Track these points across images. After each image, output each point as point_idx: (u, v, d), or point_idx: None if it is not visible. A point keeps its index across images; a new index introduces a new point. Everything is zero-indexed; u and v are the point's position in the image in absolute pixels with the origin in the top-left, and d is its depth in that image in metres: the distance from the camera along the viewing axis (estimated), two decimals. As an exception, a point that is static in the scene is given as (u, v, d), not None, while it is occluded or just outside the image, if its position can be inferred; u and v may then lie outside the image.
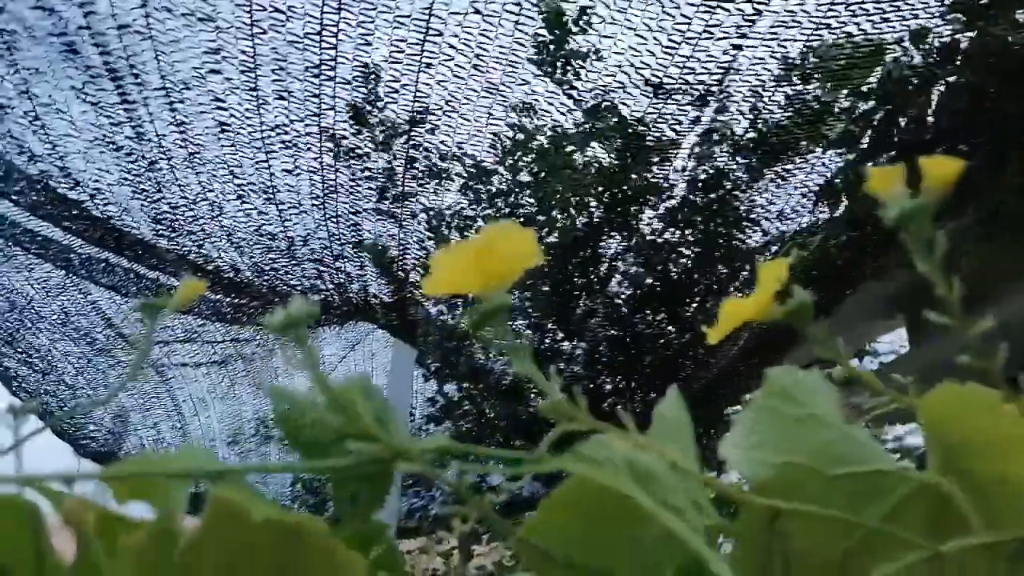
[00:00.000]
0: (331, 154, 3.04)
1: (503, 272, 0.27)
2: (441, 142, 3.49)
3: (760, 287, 0.30)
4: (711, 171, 3.59)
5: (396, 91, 3.20)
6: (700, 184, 3.68)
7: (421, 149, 3.51)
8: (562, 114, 3.48)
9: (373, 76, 3.13)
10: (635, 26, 2.91)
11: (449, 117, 3.39)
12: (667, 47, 2.91)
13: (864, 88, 2.28)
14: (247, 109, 2.44)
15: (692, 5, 2.62)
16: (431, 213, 3.84)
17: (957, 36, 1.95)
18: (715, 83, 3.09)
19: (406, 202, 3.90)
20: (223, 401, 5.02)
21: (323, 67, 2.39)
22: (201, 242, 3.08)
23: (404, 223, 3.84)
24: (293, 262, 3.46)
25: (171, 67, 2.20)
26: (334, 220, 3.35)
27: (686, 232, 3.90)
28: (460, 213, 3.93)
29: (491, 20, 2.85)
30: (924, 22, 1.98)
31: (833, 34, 2.25)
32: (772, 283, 0.30)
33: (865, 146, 2.22)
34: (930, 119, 2.12)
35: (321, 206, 3.22)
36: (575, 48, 3.26)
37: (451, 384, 4.60)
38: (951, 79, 2.01)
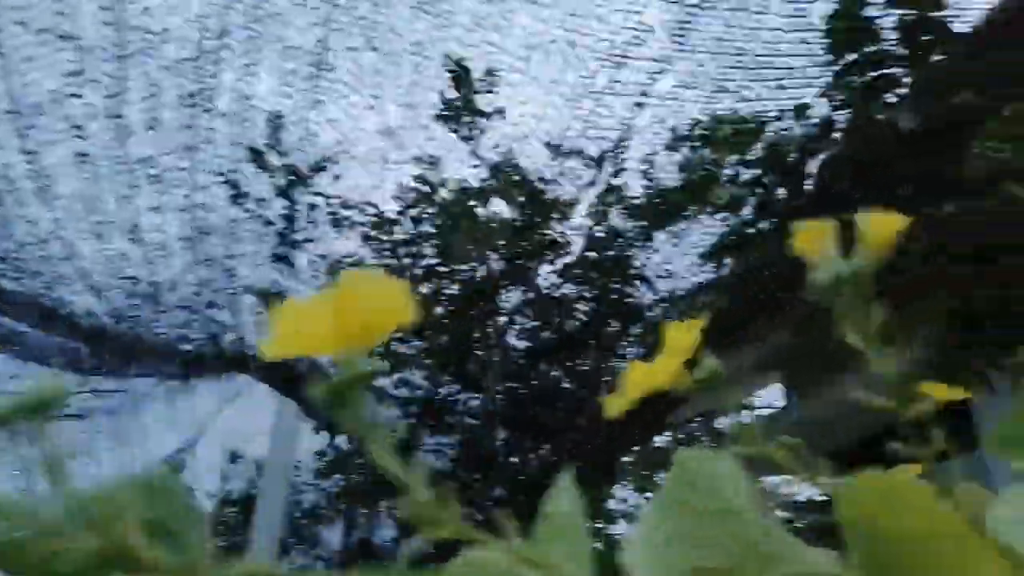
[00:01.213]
0: (205, 192, 2.87)
1: (367, 330, 0.23)
2: (343, 190, 3.43)
3: (668, 351, 0.28)
4: (606, 230, 3.68)
5: (297, 135, 3.12)
6: (596, 242, 3.77)
7: (322, 196, 3.44)
8: (466, 168, 3.50)
9: (273, 119, 3.04)
10: (540, 86, 2.96)
11: (351, 165, 3.33)
12: (568, 108, 2.98)
13: (749, 156, 2.35)
14: (110, 138, 2.24)
15: (594, 69, 2.68)
16: (329, 262, 3.76)
17: (834, 114, 2.04)
18: (613, 145, 3.17)
19: (302, 249, 3.78)
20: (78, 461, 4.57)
21: (199, 97, 2.25)
22: (51, 284, 2.80)
23: (299, 271, 3.74)
24: (159, 308, 3.22)
25: (23, 88, 1.99)
26: (207, 264, 3.15)
27: (582, 288, 3.97)
28: (361, 263, 3.86)
29: (400, 81, 2.83)
30: (806, 99, 2.06)
31: (726, 101, 2.32)
32: (681, 348, 0.28)
33: (750, 212, 2.28)
34: (809, 188, 2.20)
35: (191, 248, 3.02)
36: (480, 106, 3.30)
37: (342, 436, 4.41)
38: (829, 152, 2.09)
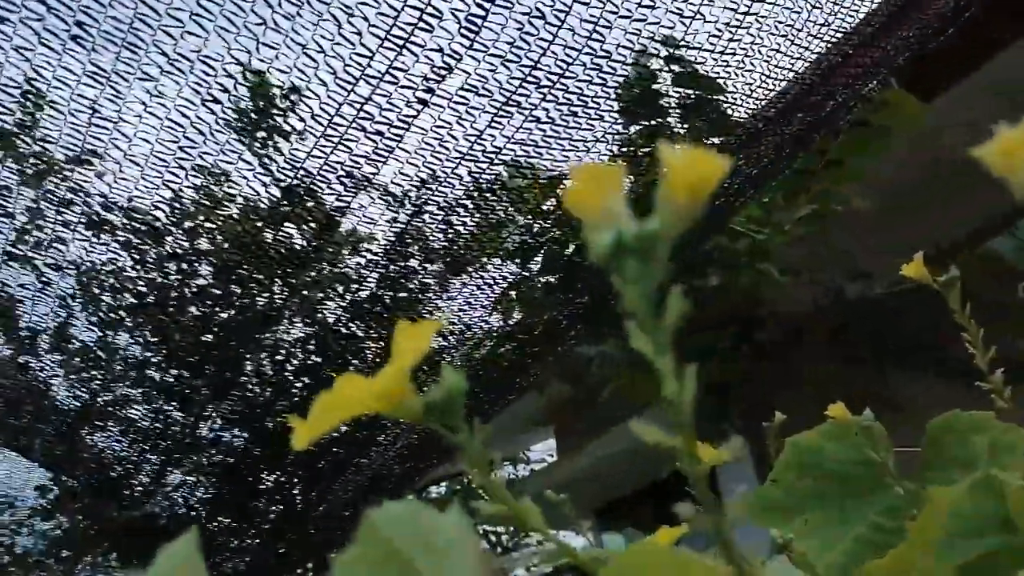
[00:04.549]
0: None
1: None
2: (107, 189, 3.03)
3: (394, 360, 0.23)
4: (400, 270, 3.62)
5: (57, 118, 2.72)
6: (388, 281, 3.69)
7: (80, 193, 3.02)
8: (257, 187, 3.26)
9: (30, 95, 2.64)
10: (343, 114, 2.84)
11: (120, 163, 2.96)
12: (371, 141, 2.89)
13: (540, 210, 2.40)
14: None
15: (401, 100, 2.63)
16: (81, 268, 3.32)
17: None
18: (413, 186, 3.13)
19: (46, 249, 3.31)
20: None
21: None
22: None
23: (44, 275, 3.26)
24: None
25: None
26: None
27: (370, 326, 3.87)
28: (119, 273, 3.46)
29: (193, 85, 2.57)
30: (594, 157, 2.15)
31: (521, 156, 2.36)
32: (409, 352, 0.23)
33: (538, 263, 2.33)
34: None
35: None
36: (279, 124, 3.12)
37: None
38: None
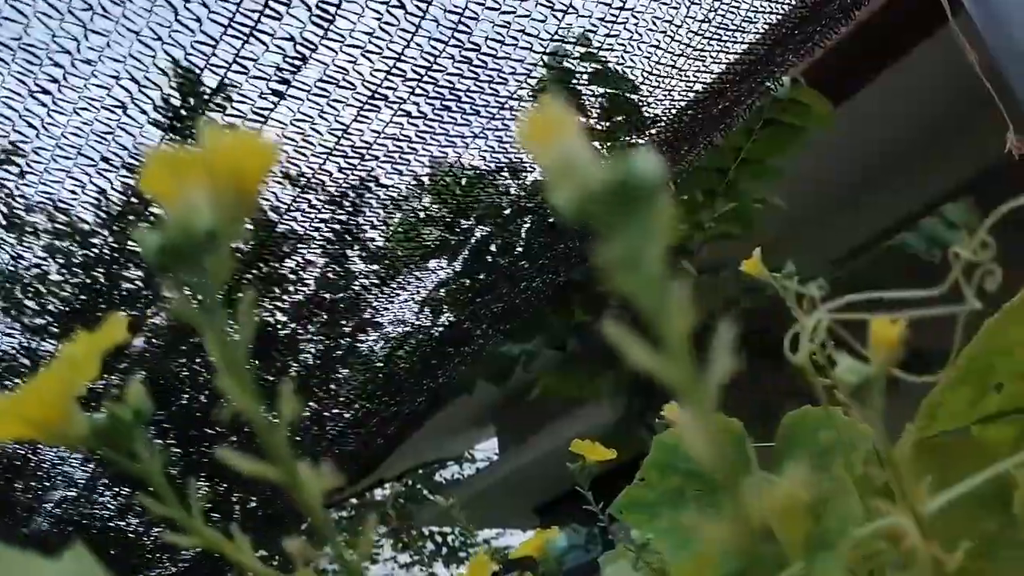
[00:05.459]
0: None
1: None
2: (28, 189, 2.93)
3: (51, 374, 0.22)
4: (339, 271, 3.59)
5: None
6: (327, 282, 3.66)
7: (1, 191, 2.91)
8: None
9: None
10: (279, 111, 2.80)
11: (44, 161, 2.87)
12: (308, 139, 2.86)
13: (470, 209, 2.41)
14: None
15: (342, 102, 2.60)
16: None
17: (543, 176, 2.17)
18: (352, 186, 3.11)
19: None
20: None
21: None
22: None
23: None
24: None
25: None
26: None
27: (309, 327, 3.82)
28: (43, 277, 3.35)
29: (119, 80, 2.50)
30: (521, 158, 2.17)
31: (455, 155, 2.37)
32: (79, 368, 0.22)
33: (465, 261, 2.34)
34: (519, 248, 2.32)
35: None
36: (209, 120, 3.06)
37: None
38: (539, 212, 2.21)
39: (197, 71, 2.16)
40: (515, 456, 4.82)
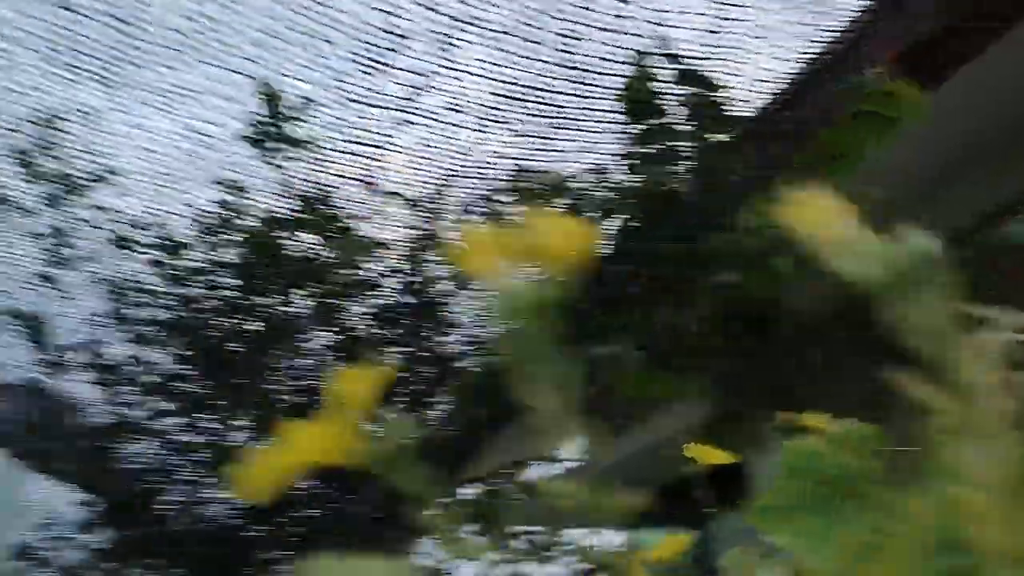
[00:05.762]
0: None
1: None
2: (127, 208, 3.12)
3: (336, 406, 0.22)
4: (420, 275, 3.67)
5: (74, 139, 2.80)
6: (409, 286, 3.74)
7: (103, 211, 3.11)
8: (273, 198, 3.33)
9: (45, 121, 2.73)
10: (354, 121, 2.88)
11: (140, 180, 3.05)
12: (383, 143, 2.92)
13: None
14: None
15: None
16: (112, 285, 3.41)
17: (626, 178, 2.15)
18: (431, 191, 3.17)
19: (72, 268, 3.41)
20: None
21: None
22: None
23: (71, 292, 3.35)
24: None
25: None
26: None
27: (391, 331, 3.91)
28: (142, 287, 3.54)
29: (206, 99, 2.63)
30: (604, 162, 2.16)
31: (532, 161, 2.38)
32: (352, 401, 0.22)
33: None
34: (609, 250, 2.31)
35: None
36: (291, 133, 3.17)
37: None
38: (622, 213, 2.19)
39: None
40: (602, 456, 4.81)
